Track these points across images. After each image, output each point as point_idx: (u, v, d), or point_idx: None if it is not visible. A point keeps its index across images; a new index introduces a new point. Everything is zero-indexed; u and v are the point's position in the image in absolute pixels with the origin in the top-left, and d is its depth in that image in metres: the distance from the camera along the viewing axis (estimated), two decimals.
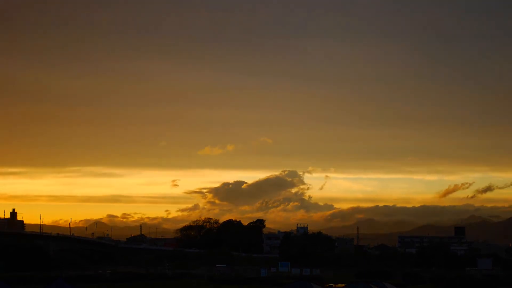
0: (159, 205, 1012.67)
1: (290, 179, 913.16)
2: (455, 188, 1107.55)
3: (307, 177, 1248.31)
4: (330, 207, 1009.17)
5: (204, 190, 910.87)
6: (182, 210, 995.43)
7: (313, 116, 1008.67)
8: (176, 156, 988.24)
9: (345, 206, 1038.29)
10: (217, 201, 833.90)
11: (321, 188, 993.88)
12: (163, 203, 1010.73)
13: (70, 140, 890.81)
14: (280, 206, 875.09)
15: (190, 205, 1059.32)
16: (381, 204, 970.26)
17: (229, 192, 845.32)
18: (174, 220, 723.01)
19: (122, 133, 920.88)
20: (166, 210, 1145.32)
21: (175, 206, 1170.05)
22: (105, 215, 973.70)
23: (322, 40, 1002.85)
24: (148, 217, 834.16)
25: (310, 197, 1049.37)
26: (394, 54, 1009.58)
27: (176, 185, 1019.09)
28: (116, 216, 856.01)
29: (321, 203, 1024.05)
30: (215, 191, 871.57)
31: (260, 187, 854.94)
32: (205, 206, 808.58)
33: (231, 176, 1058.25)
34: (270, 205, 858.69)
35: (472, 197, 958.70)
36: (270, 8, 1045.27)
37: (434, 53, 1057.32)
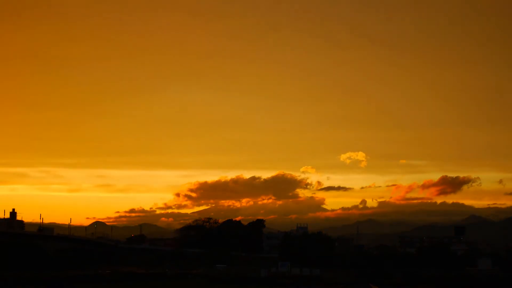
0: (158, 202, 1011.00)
1: (290, 178, 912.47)
2: (456, 188, 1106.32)
3: (308, 177, 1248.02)
4: (331, 206, 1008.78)
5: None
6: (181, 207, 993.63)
7: (313, 117, 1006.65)
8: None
9: (345, 206, 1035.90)
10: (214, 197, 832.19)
11: (321, 188, 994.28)
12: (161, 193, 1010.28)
13: (72, 140, 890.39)
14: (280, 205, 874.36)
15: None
16: (381, 204, 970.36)
17: (230, 189, 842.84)
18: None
19: (121, 133, 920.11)
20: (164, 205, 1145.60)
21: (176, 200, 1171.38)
22: (105, 215, 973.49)
23: None
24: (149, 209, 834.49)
25: (310, 196, 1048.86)
26: None
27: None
28: (117, 215, 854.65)
29: (321, 203, 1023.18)
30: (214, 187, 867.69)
31: (261, 185, 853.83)
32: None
33: (234, 172, 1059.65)
34: (271, 203, 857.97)
35: (471, 196, 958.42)
36: None
37: None
